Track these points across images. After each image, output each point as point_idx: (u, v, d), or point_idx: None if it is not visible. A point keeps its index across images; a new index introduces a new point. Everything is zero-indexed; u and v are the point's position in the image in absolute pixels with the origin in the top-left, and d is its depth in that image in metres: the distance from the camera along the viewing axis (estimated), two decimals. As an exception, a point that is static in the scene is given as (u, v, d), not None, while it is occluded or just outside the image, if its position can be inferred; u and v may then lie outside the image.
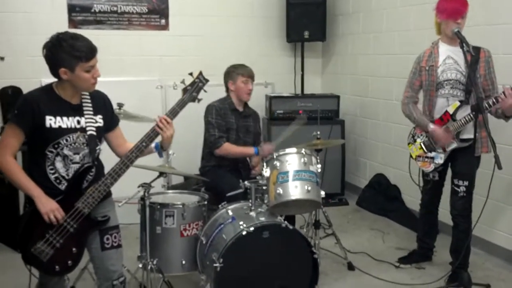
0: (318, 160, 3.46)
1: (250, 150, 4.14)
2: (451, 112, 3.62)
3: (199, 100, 2.85)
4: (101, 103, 2.80)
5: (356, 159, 6.15)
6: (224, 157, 4.10)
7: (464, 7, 3.55)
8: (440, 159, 3.74)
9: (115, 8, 5.63)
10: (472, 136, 3.58)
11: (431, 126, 3.70)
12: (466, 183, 3.65)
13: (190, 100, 2.81)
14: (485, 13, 4.20)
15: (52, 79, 2.68)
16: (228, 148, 4.08)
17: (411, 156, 3.94)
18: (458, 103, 3.59)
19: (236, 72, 4.21)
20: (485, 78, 3.60)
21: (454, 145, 3.67)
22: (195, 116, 4.18)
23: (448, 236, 4.42)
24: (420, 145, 3.84)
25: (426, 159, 3.81)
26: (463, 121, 3.56)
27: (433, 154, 3.77)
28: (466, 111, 3.57)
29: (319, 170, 3.42)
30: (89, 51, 2.58)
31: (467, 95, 3.59)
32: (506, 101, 3.36)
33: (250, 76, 4.22)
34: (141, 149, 2.69)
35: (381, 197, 5.56)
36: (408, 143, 3.96)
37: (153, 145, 2.88)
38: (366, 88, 5.89)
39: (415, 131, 3.91)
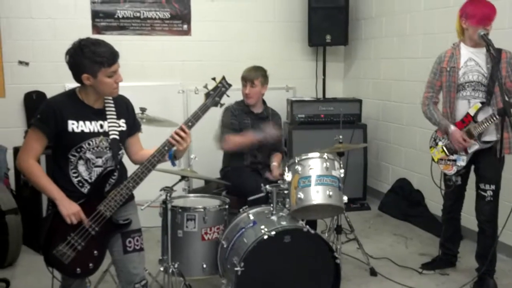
0: (341, 165, 3.44)
1: (252, 136, 4.07)
2: (472, 114, 3.60)
3: (221, 105, 2.83)
4: (124, 108, 2.82)
5: (378, 163, 6.10)
6: (243, 158, 4.11)
7: (494, 13, 3.51)
8: (462, 161, 3.71)
9: (138, 14, 5.68)
10: (494, 139, 3.57)
11: (452, 128, 3.67)
12: (492, 186, 3.60)
13: (212, 104, 2.80)
14: (510, 16, 4.13)
15: (75, 84, 2.71)
16: (231, 138, 4.06)
17: (433, 159, 3.91)
18: (479, 105, 3.57)
19: (242, 76, 4.22)
20: (509, 79, 3.56)
21: (476, 146, 3.64)
22: (216, 120, 4.20)
23: (472, 241, 4.35)
24: (442, 148, 3.81)
25: (448, 162, 3.79)
26: (484, 123, 3.53)
27: (455, 156, 3.74)
28: (487, 113, 3.54)
29: (342, 175, 3.39)
30: (111, 57, 2.61)
31: (489, 97, 3.56)
32: None
33: (245, 79, 4.18)
34: (163, 153, 2.70)
35: (404, 202, 5.50)
36: (430, 147, 3.93)
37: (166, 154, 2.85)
38: (388, 92, 5.84)
39: (437, 135, 3.88)
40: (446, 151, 3.79)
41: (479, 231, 3.76)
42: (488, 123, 3.52)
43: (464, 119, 3.65)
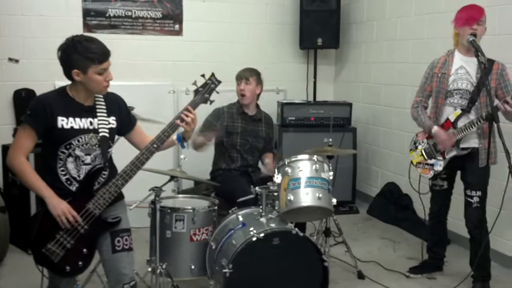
0: (330, 167, 3.45)
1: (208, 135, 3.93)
2: (452, 120, 3.67)
3: (211, 102, 2.84)
4: (115, 105, 2.82)
5: (367, 167, 6.12)
6: (233, 160, 4.12)
7: (480, 14, 3.57)
8: (439, 166, 3.78)
9: (129, 13, 5.66)
10: (472, 145, 3.64)
11: (435, 128, 3.72)
12: (479, 193, 3.64)
13: (201, 101, 2.81)
14: (501, 23, 4.17)
15: (65, 82, 2.71)
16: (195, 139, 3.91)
17: (411, 162, 3.97)
18: (459, 111, 3.65)
19: (236, 76, 4.22)
20: (501, 91, 3.60)
21: (453, 152, 3.70)
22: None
23: (458, 246, 4.39)
24: (421, 152, 3.88)
25: (426, 166, 3.86)
26: (463, 129, 3.58)
27: (432, 161, 3.82)
28: (466, 120, 3.61)
29: (331, 178, 3.40)
30: (102, 54, 2.61)
31: (470, 104, 3.62)
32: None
33: (240, 77, 4.19)
34: (151, 150, 2.68)
35: (392, 206, 5.52)
36: (410, 150, 4.02)
37: (174, 137, 2.87)
38: (378, 96, 5.87)
39: (417, 138, 3.96)
40: (424, 155, 3.85)
41: (470, 238, 3.79)
42: (467, 130, 3.58)
43: (444, 124, 3.72)
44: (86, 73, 2.60)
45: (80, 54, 2.57)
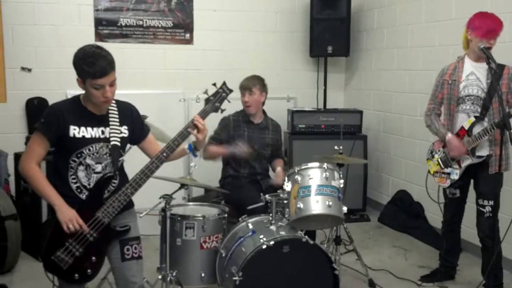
0: (341, 175, 3.44)
1: (222, 148, 4.03)
2: (466, 128, 3.64)
3: (222, 111, 2.84)
4: (128, 114, 2.84)
5: (378, 175, 6.10)
6: (241, 166, 4.13)
7: (500, 28, 3.54)
8: (455, 175, 3.74)
9: (140, 22, 5.71)
10: (487, 153, 3.60)
11: (449, 135, 3.70)
12: (491, 202, 3.61)
13: (212, 110, 2.81)
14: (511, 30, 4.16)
15: (77, 91, 2.73)
16: (209, 149, 4.01)
17: (429, 172, 3.95)
18: (473, 119, 3.62)
19: (239, 86, 4.20)
20: (511, 95, 3.58)
21: (469, 160, 3.67)
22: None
23: (471, 254, 4.35)
24: (438, 161, 3.85)
25: (442, 175, 3.83)
26: (477, 137, 3.55)
27: (449, 170, 3.78)
28: (481, 127, 3.57)
29: (342, 186, 3.39)
30: (99, 71, 2.57)
31: (484, 111, 3.59)
32: None
33: (243, 87, 4.16)
34: (161, 159, 2.68)
35: (403, 214, 5.49)
36: (427, 159, 3.98)
37: (185, 146, 2.88)
38: (389, 103, 5.85)
39: (433, 147, 3.93)
40: (441, 163, 3.82)
41: (482, 247, 3.76)
42: (482, 138, 3.55)
43: (459, 132, 3.69)
44: (85, 84, 2.62)
45: (79, 65, 2.59)
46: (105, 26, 5.58)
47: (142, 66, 5.68)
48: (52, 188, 2.65)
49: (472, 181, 3.82)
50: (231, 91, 2.85)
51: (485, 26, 3.52)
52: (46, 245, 2.64)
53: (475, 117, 3.61)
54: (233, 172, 4.16)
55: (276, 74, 6.12)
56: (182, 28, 5.86)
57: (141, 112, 3.64)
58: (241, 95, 4.17)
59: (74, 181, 2.69)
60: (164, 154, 2.70)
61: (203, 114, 2.78)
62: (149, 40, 5.76)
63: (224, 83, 2.86)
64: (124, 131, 2.80)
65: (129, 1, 5.64)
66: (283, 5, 6.23)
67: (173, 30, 5.83)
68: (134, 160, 2.97)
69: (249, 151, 3.91)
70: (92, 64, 2.56)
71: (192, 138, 2.80)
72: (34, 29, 5.34)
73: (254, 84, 4.16)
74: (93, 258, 2.68)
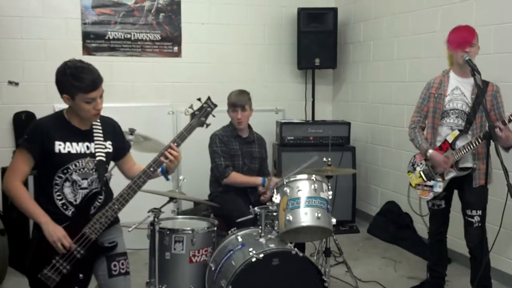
0: (329, 187, 3.45)
1: (258, 180, 4.14)
2: (450, 141, 3.67)
3: (207, 125, 2.86)
4: (111, 130, 2.84)
5: (367, 186, 6.12)
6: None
7: (471, 37, 3.59)
8: (439, 188, 3.76)
9: (128, 36, 5.71)
10: (470, 165, 3.64)
11: (430, 151, 3.72)
12: (479, 212, 3.63)
13: (198, 125, 2.82)
14: (496, 42, 4.21)
15: (65, 105, 2.72)
16: (236, 177, 4.10)
17: (410, 184, 3.96)
18: (457, 132, 3.65)
19: (228, 101, 4.17)
20: (494, 112, 3.63)
21: (452, 173, 3.69)
22: (205, 141, 4.21)
23: (459, 265, 4.36)
24: (420, 173, 3.86)
25: (425, 188, 3.83)
26: (462, 150, 3.59)
27: (432, 182, 3.79)
28: (465, 140, 3.61)
29: (330, 197, 3.40)
30: (90, 84, 2.59)
31: (467, 125, 3.64)
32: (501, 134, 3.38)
33: (236, 104, 4.13)
34: (148, 174, 2.70)
35: (392, 225, 5.50)
36: (408, 171, 3.99)
37: (159, 169, 2.88)
38: (377, 115, 5.89)
39: (415, 160, 3.94)
40: (423, 176, 3.84)
41: (470, 258, 3.77)
42: (465, 151, 3.58)
43: (442, 145, 3.73)
44: (74, 100, 2.61)
45: (68, 81, 2.57)
46: (93, 39, 5.57)
47: (131, 79, 5.67)
48: (37, 205, 2.62)
49: (456, 192, 3.85)
50: (215, 106, 2.87)
51: (457, 38, 3.61)
52: (32, 263, 2.61)
53: (459, 130, 3.65)
54: (223, 188, 4.15)
55: (264, 87, 6.15)
56: (170, 41, 5.87)
57: (130, 125, 3.67)
58: (231, 111, 4.16)
59: (59, 197, 2.66)
60: (151, 169, 2.70)
61: (189, 129, 2.78)
62: (137, 53, 5.76)
63: (208, 98, 2.87)
64: (109, 146, 2.79)
65: (116, 15, 5.65)
66: (271, 18, 6.28)
67: (161, 43, 5.84)
68: (119, 175, 2.96)
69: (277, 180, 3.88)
70: (82, 79, 2.56)
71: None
72: (21, 42, 5.32)
73: (246, 101, 4.17)
74: (81, 275, 2.66)
